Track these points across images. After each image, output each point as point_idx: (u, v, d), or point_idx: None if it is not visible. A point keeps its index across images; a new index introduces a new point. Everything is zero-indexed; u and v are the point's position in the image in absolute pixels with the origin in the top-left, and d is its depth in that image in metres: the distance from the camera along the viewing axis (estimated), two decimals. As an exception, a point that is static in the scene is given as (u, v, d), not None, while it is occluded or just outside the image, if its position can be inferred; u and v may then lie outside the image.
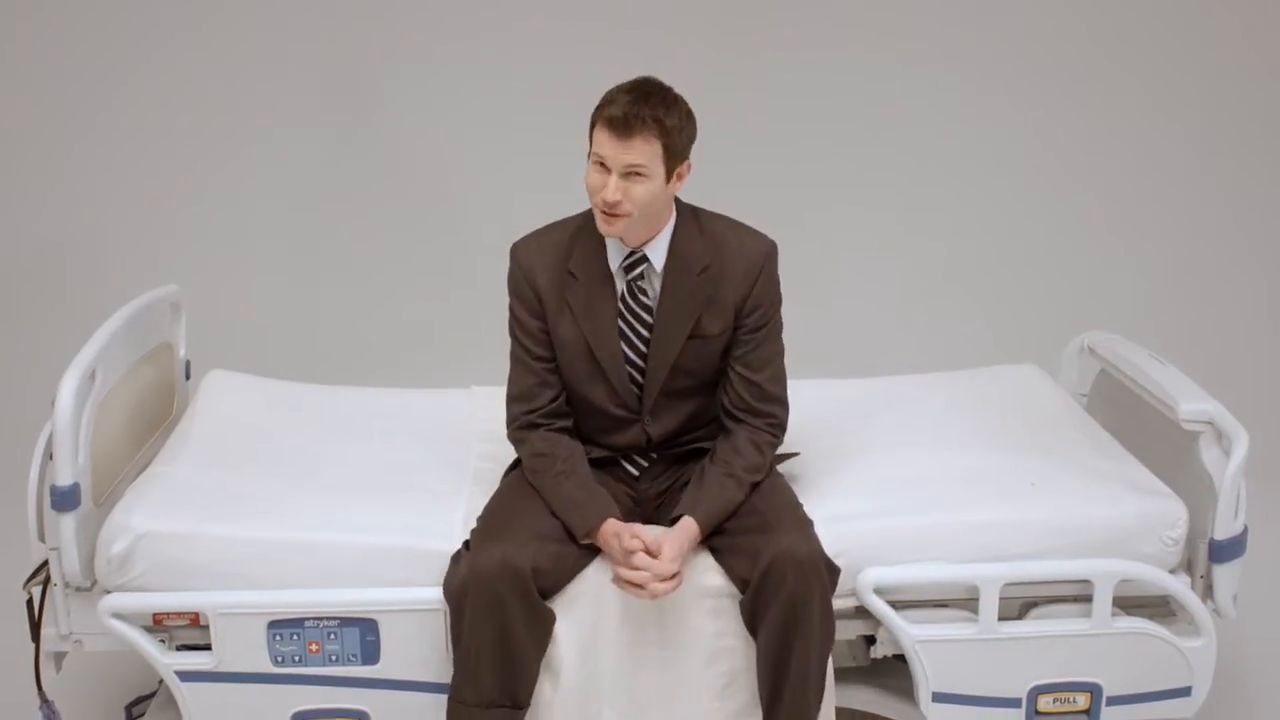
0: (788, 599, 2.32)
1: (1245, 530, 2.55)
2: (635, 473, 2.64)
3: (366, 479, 2.66)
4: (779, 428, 2.56)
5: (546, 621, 2.37)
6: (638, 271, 2.51)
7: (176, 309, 3.06)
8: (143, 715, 2.75)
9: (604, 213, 2.42)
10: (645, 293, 2.51)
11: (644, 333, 2.52)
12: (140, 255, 4.50)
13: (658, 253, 2.49)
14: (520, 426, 2.56)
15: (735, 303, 2.51)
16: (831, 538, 2.43)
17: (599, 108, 2.41)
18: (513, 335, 2.58)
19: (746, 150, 4.55)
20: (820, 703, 2.42)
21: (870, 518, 2.52)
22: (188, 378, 3.13)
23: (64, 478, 2.39)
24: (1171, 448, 2.68)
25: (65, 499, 2.38)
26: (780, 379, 2.58)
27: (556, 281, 2.52)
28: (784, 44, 4.59)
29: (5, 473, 3.57)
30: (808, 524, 2.43)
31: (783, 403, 2.58)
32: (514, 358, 2.58)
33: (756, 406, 2.54)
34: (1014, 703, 2.52)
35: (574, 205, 2.58)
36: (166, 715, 2.67)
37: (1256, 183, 4.71)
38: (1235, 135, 4.70)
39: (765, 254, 2.53)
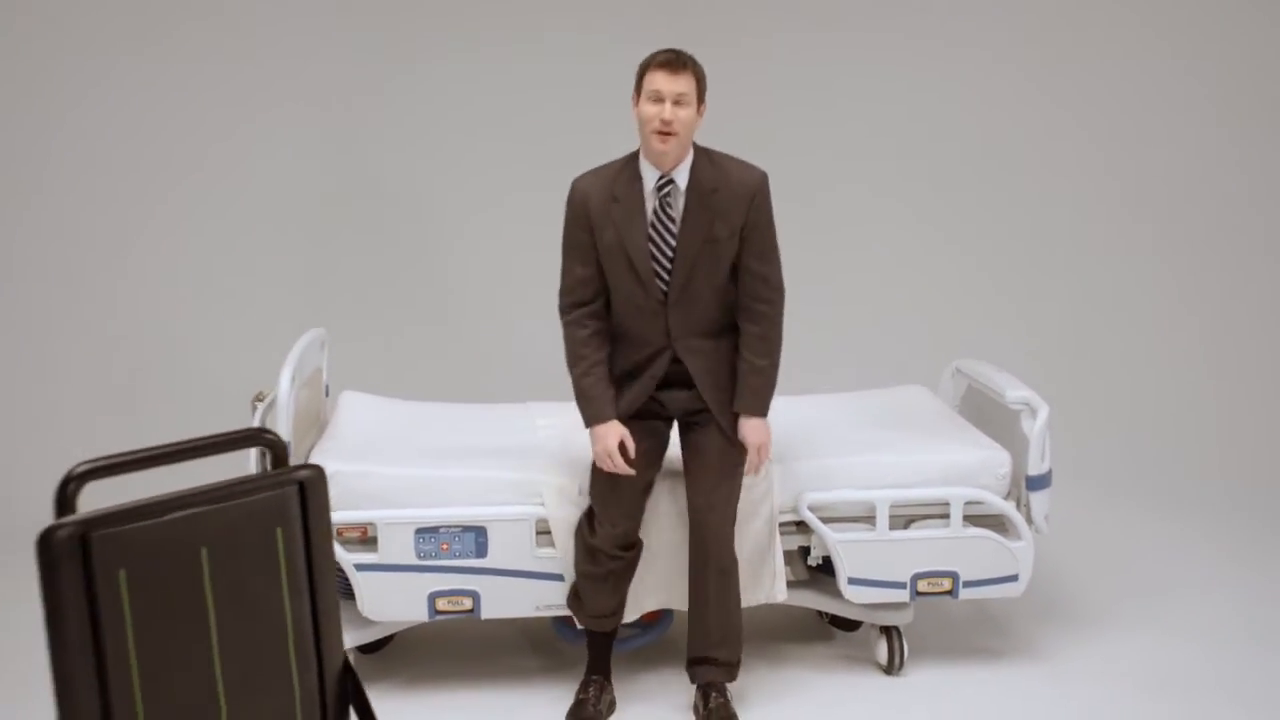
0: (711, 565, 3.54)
1: (1050, 471, 3.88)
2: (664, 406, 3.62)
3: (471, 448, 3.94)
4: (775, 308, 3.53)
5: (637, 556, 3.62)
6: (665, 191, 3.42)
7: (324, 344, 4.37)
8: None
9: (659, 133, 3.32)
10: (670, 206, 3.44)
11: (670, 240, 3.43)
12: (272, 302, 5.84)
13: (681, 177, 3.42)
14: (566, 309, 3.55)
15: (739, 221, 3.42)
16: (781, 473, 3.76)
17: (648, 61, 3.37)
18: (565, 247, 3.53)
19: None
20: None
21: (806, 460, 3.84)
22: (326, 395, 4.43)
23: (283, 435, 3.66)
24: (1005, 424, 4.02)
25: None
26: (776, 272, 3.50)
27: (604, 203, 3.44)
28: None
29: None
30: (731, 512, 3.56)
31: (778, 297, 3.52)
32: (564, 265, 3.54)
33: (761, 292, 3.49)
34: (901, 585, 3.81)
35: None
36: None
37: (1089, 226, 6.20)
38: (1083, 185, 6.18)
39: (757, 184, 3.44)
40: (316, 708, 2.36)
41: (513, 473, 3.75)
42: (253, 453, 3.71)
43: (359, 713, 2.41)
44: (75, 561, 2.05)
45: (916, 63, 6.04)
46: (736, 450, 3.60)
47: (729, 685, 3.66)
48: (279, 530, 2.29)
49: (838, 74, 6.03)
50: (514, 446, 3.97)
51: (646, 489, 3.63)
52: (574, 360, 3.58)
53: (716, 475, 3.57)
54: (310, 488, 2.32)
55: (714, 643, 3.59)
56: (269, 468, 2.50)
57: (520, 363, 5.73)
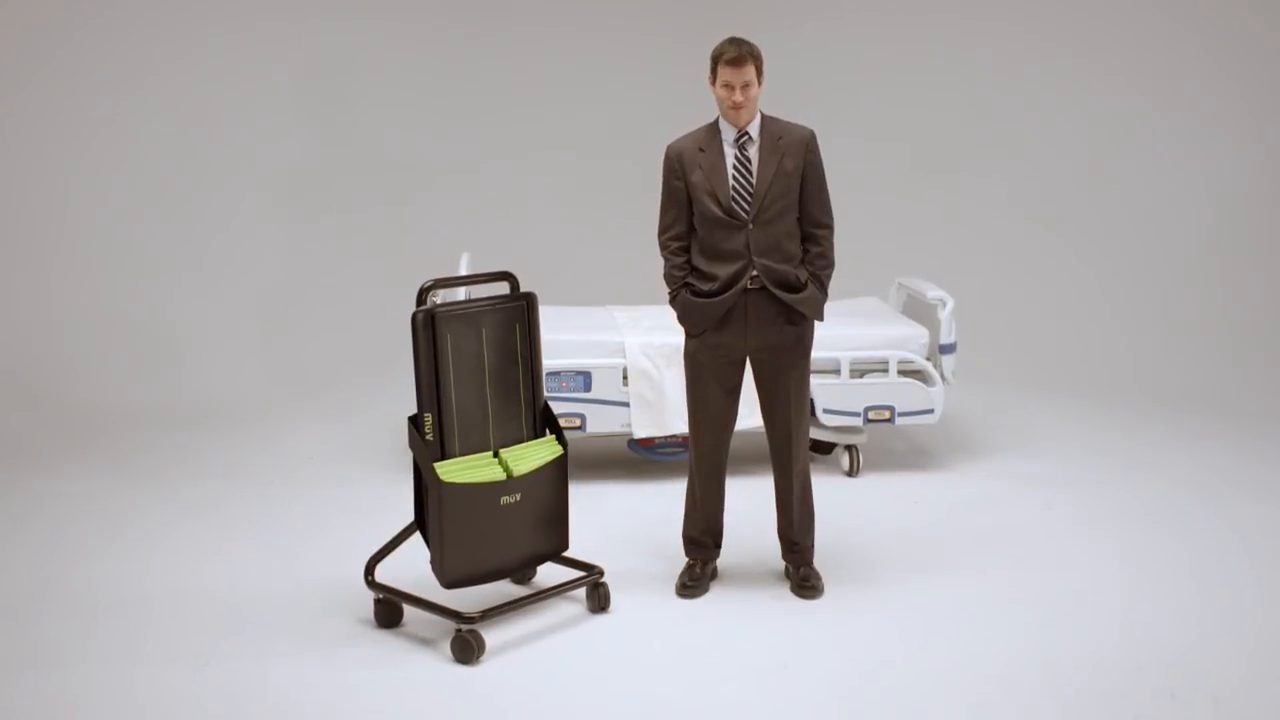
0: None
1: (955, 342, 5.94)
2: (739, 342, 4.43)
3: (576, 326, 5.96)
4: (829, 234, 4.45)
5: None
6: (742, 141, 4.35)
7: (471, 262, 6.41)
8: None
9: (732, 109, 4.28)
10: (747, 151, 4.35)
11: (750, 176, 4.33)
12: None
13: (754, 130, 4.36)
14: (666, 243, 4.46)
15: (800, 161, 4.35)
16: (779, 340, 5.82)
17: (717, 56, 4.25)
18: (663, 195, 4.44)
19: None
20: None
21: (795, 333, 5.89)
22: (470, 298, 6.49)
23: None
24: (929, 314, 6.07)
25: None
26: (828, 210, 4.43)
27: (693, 153, 4.38)
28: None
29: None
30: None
31: (830, 226, 4.44)
32: (662, 210, 4.46)
33: (821, 220, 4.42)
34: (857, 414, 5.85)
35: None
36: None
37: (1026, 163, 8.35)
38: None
39: (810, 135, 4.39)
40: (532, 424, 4.41)
41: (606, 337, 5.81)
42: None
43: (550, 428, 4.45)
44: (428, 327, 4.12)
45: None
46: (805, 381, 4.55)
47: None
48: (517, 324, 4.34)
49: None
50: (603, 326, 6.01)
51: (728, 430, 4.58)
52: (671, 280, 4.52)
53: (794, 406, 4.51)
54: (531, 303, 4.38)
55: (800, 533, 4.62)
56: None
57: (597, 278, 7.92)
